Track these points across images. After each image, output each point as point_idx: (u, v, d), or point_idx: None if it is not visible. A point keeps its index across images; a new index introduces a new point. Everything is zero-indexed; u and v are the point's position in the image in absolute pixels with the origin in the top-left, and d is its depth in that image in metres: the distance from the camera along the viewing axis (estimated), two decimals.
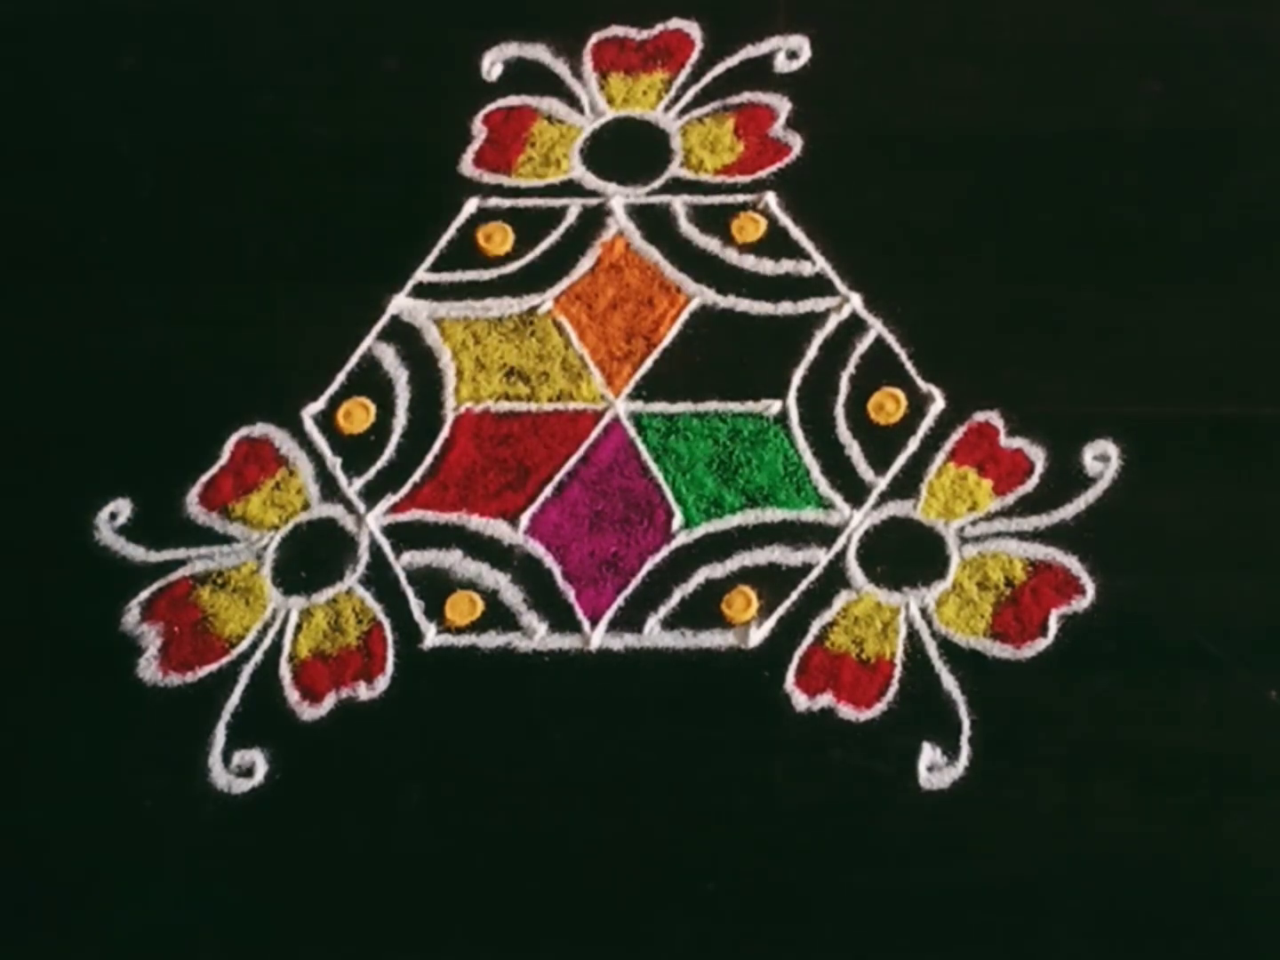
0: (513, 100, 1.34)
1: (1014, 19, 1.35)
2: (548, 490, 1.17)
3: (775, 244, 1.26)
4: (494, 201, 1.30)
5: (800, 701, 1.09)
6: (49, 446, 1.22)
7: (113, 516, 1.18)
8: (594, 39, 1.37)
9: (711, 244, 1.26)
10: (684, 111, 1.33)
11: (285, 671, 1.12)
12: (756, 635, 1.11)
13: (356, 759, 1.10)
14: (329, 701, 1.11)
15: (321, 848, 1.07)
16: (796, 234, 1.26)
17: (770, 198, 1.27)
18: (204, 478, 1.19)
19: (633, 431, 1.19)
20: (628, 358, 1.22)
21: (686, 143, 1.31)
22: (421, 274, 1.27)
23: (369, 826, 1.07)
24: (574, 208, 1.29)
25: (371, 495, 1.18)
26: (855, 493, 1.15)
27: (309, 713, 1.11)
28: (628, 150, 1.31)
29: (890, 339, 1.20)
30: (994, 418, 1.17)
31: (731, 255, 1.26)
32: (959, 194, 1.27)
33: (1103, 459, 1.15)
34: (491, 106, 1.34)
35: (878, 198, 1.27)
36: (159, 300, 1.28)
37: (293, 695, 1.11)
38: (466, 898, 1.05)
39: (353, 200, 1.31)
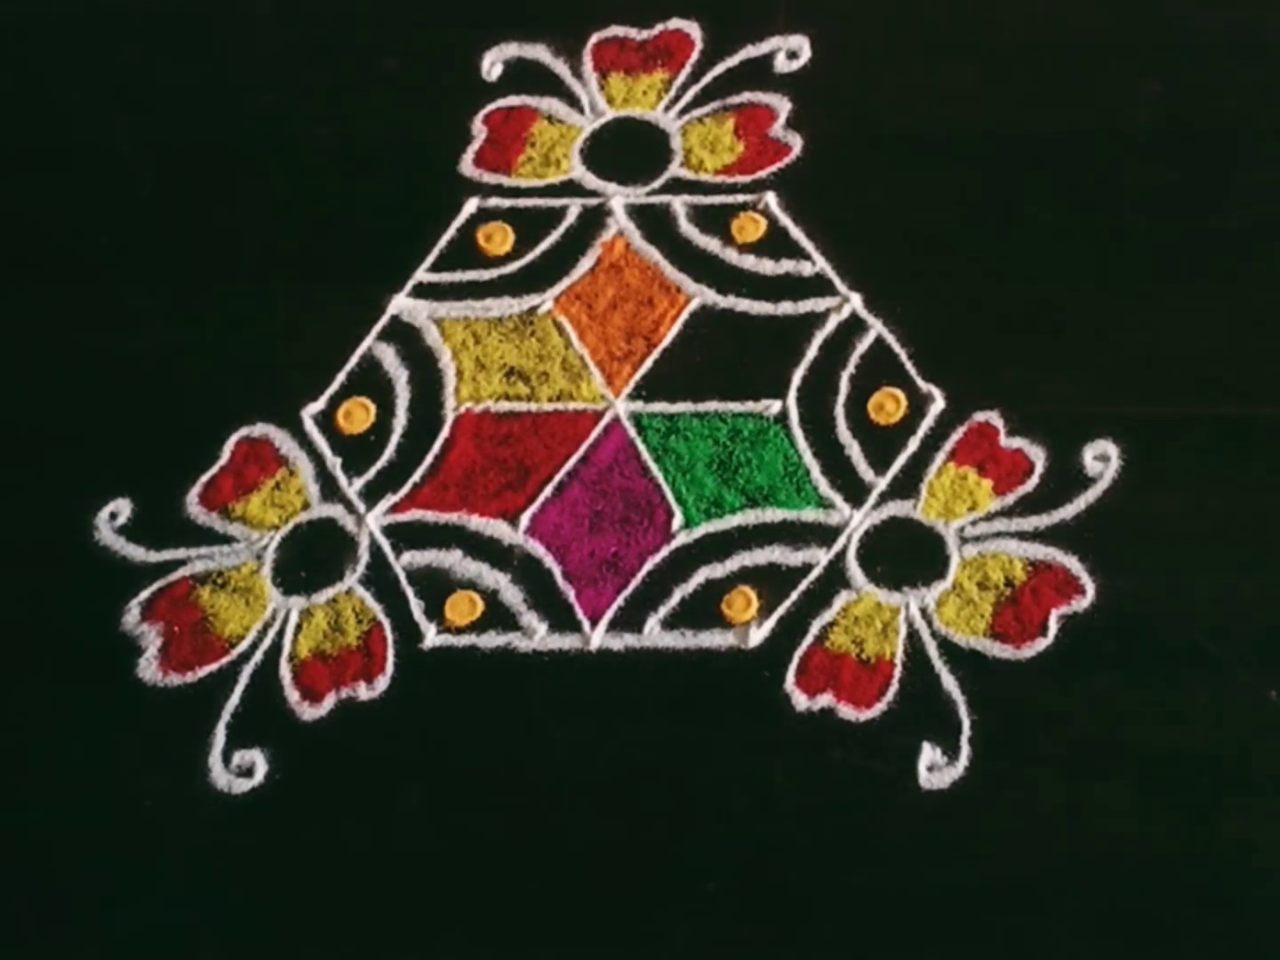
0: (513, 100, 1.34)
1: (1014, 19, 1.35)
2: (548, 490, 1.17)
3: (775, 244, 1.26)
4: (494, 201, 1.30)
5: (800, 701, 1.09)
6: (49, 446, 1.22)
7: (113, 516, 1.18)
8: (594, 39, 1.37)
9: (711, 244, 1.26)
10: (684, 111, 1.33)
11: (285, 671, 1.12)
12: (756, 635, 1.11)
13: (356, 759, 1.10)
14: (329, 701, 1.11)
15: (321, 848, 1.07)
16: (796, 234, 1.26)
17: (770, 198, 1.27)
18: (204, 478, 1.19)
19: (633, 431, 1.19)
20: (628, 358, 1.22)
21: (686, 143, 1.31)
22: (421, 274, 1.27)
23: (369, 826, 1.07)
24: (574, 208, 1.29)
25: (371, 495, 1.18)
26: (855, 493, 1.15)
27: (309, 713, 1.11)
28: (628, 150, 1.31)
29: (890, 339, 1.20)
30: (994, 418, 1.17)
31: (731, 255, 1.26)
32: (959, 194, 1.27)
33: (1103, 459, 1.15)
34: (491, 106, 1.34)
35: (878, 198, 1.27)
36: (159, 300, 1.28)
37: (293, 695, 1.11)
38: (466, 898, 1.05)
39: (353, 200, 1.31)
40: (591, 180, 1.30)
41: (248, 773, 1.09)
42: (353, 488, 1.19)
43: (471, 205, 1.30)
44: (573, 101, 1.34)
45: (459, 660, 1.12)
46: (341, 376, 1.23)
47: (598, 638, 1.12)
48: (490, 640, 1.12)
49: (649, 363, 1.22)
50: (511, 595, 1.14)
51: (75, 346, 1.26)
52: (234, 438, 1.21)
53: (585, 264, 1.26)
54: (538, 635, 1.12)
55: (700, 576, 1.13)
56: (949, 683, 1.08)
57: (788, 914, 1.03)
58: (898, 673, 1.09)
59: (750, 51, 1.35)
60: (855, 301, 1.22)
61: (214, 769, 1.09)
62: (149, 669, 1.13)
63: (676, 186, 1.29)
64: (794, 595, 1.12)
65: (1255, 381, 1.17)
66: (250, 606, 1.15)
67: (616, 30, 1.37)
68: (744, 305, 1.23)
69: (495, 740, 1.09)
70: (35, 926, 1.06)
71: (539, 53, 1.36)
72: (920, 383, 1.19)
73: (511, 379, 1.22)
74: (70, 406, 1.24)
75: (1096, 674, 1.08)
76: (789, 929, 1.03)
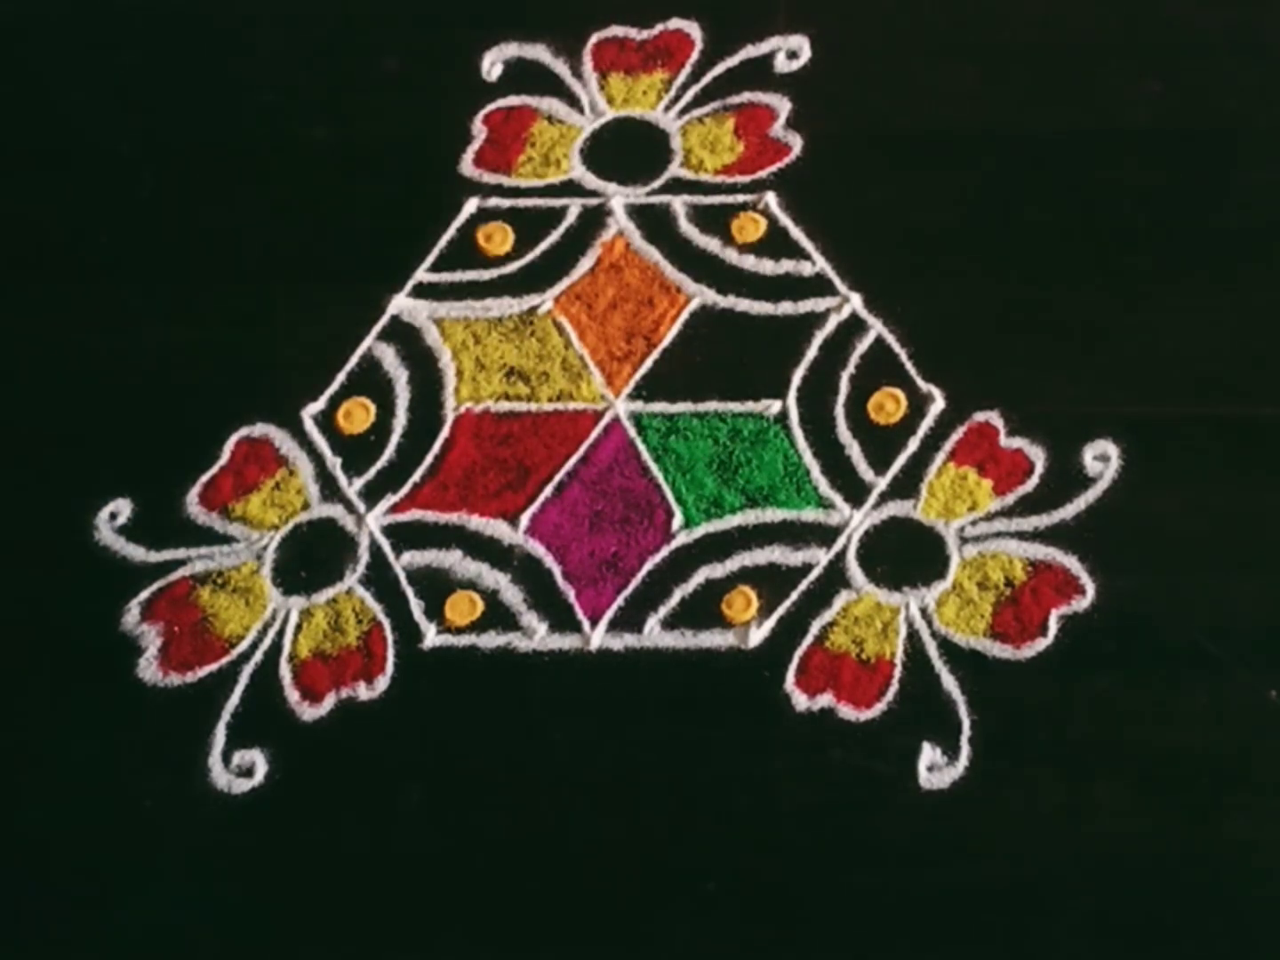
0: (513, 100, 1.34)
1: (1014, 19, 1.35)
2: (548, 490, 1.17)
3: (775, 244, 1.26)
4: (494, 201, 1.30)
5: (800, 701, 1.09)
6: (49, 446, 1.22)
7: (113, 516, 1.18)
8: (594, 39, 1.37)
9: (711, 244, 1.26)
10: (684, 111, 1.33)
11: (285, 671, 1.12)
12: (756, 635, 1.11)
13: (356, 759, 1.10)
14: (329, 701, 1.11)
15: (321, 848, 1.07)
16: (796, 234, 1.26)
17: (770, 198, 1.27)
18: (204, 478, 1.19)
19: (633, 431, 1.19)
20: (628, 358, 1.22)
21: (686, 143, 1.31)
22: (421, 274, 1.27)
23: (369, 826, 1.07)
24: (574, 208, 1.29)
25: (371, 495, 1.18)
26: (855, 493, 1.15)
27: (309, 713, 1.11)
28: (628, 150, 1.31)
29: (890, 339, 1.20)
30: (994, 418, 1.17)
31: (731, 255, 1.26)
32: (959, 194, 1.27)
33: (1103, 459, 1.15)
34: (491, 106, 1.34)
35: (878, 198, 1.27)
36: (159, 300, 1.28)
37: (293, 695, 1.11)
38: (466, 898, 1.05)
39: (353, 200, 1.31)
40: (591, 180, 1.30)
41: (248, 773, 1.09)
42: (353, 488, 1.19)
43: (471, 205, 1.30)
44: (573, 101, 1.34)
45: (459, 660, 1.12)
46: (341, 376, 1.23)
47: (598, 638, 1.12)
48: (490, 640, 1.12)
49: (649, 363, 1.22)
50: (511, 595, 1.14)
51: (75, 346, 1.26)
52: (234, 438, 1.21)
53: (585, 264, 1.26)
54: (538, 635, 1.12)
55: (700, 576, 1.13)
56: (949, 683, 1.08)
57: (788, 914, 1.03)
58: (898, 673, 1.09)
59: (750, 51, 1.35)
60: (855, 301, 1.22)
61: (214, 769, 1.09)
62: (149, 669, 1.13)
63: (676, 186, 1.29)
64: (794, 595, 1.12)
65: (1255, 381, 1.17)
66: (250, 606, 1.15)
67: (616, 30, 1.37)
68: (744, 305, 1.23)
69: (495, 740, 1.09)
70: (35, 926, 1.06)
71: (539, 53, 1.36)
72: (920, 383, 1.19)
73: (511, 379, 1.22)
74: (70, 406, 1.24)
75: (1096, 674, 1.08)
76: (789, 929, 1.03)
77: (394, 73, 1.38)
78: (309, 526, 1.18)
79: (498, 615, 1.13)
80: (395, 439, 1.20)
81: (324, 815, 1.08)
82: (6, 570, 1.17)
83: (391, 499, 1.18)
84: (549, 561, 1.15)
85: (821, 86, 1.32)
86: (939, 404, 1.18)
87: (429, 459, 1.19)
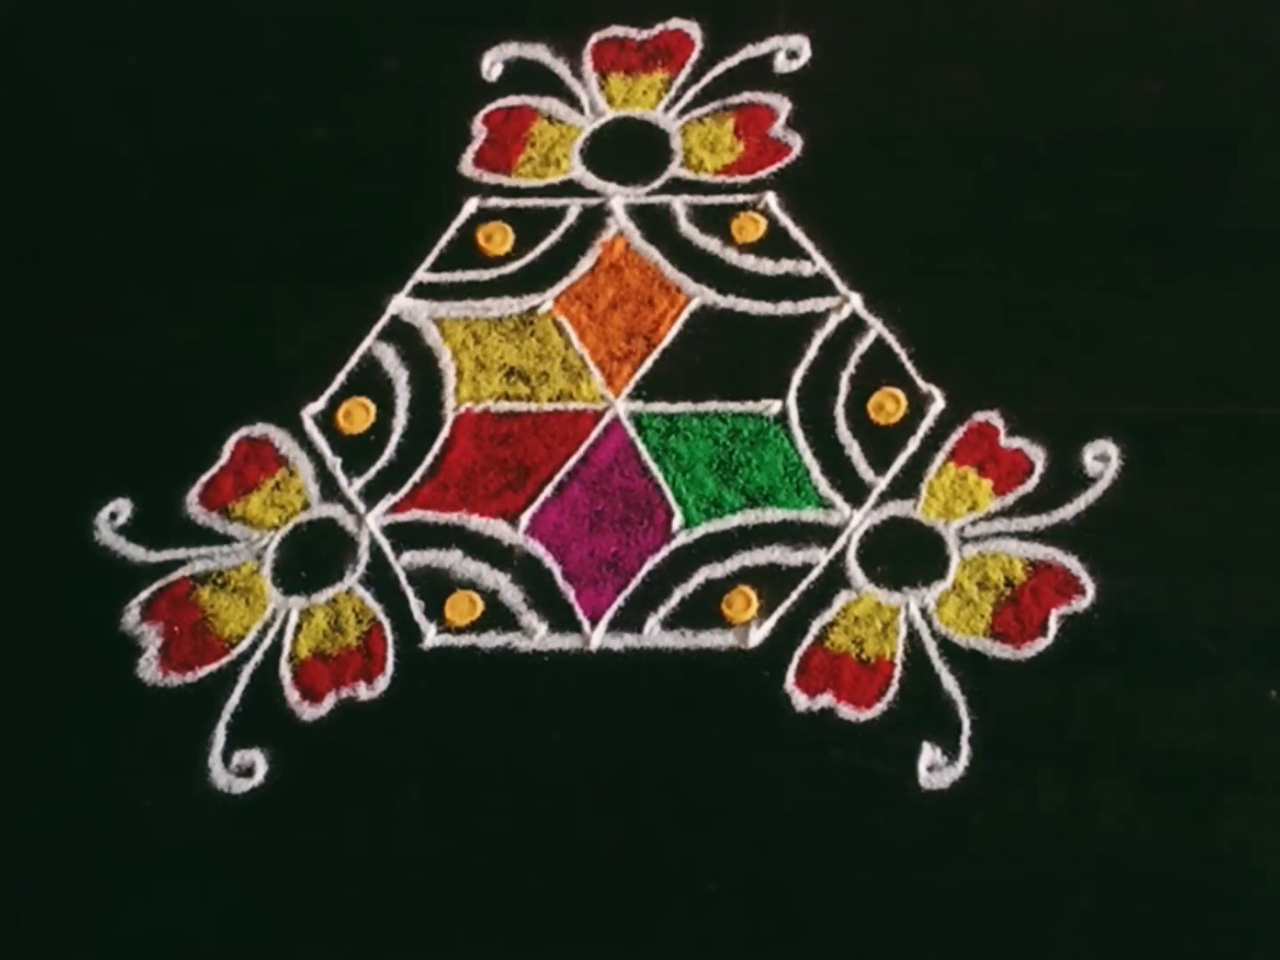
0: (513, 100, 1.34)
1: (1014, 19, 1.35)
2: (548, 490, 1.17)
3: (775, 244, 1.26)
4: (494, 201, 1.30)
5: (800, 701, 1.09)
6: (49, 446, 1.22)
7: (113, 516, 1.18)
8: (594, 39, 1.37)
9: (711, 244, 1.26)
10: (684, 111, 1.33)
11: (285, 671, 1.12)
12: (756, 635, 1.11)
13: (356, 759, 1.10)
14: (329, 701, 1.11)
15: (321, 848, 1.07)
16: (796, 234, 1.26)
17: (770, 198, 1.27)
18: (204, 478, 1.19)
19: (633, 431, 1.19)
20: (628, 358, 1.22)
21: (686, 143, 1.31)
22: (421, 274, 1.27)
23: (369, 826, 1.07)
24: (574, 208, 1.29)
25: (371, 495, 1.18)
26: (855, 493, 1.15)
27: (309, 713, 1.11)
28: (628, 150, 1.31)
29: (890, 339, 1.20)
30: (994, 418, 1.17)
31: (731, 255, 1.26)
32: (959, 194, 1.27)
33: (1103, 459, 1.15)
34: (491, 106, 1.34)
35: (878, 198, 1.27)
36: (159, 300, 1.28)
37: (293, 695, 1.11)
38: (466, 898, 1.05)
39: (353, 200, 1.31)
40: (591, 180, 1.30)
41: (248, 773, 1.09)
42: (353, 488, 1.19)
43: (471, 205, 1.30)
44: (573, 101, 1.34)
45: (459, 660, 1.12)
46: (341, 376, 1.23)
47: (598, 638, 1.12)
48: (490, 640, 1.12)
49: (649, 363, 1.22)
50: (511, 595, 1.14)
51: (75, 346, 1.26)
52: (234, 438, 1.21)
53: (585, 264, 1.26)
54: (538, 635, 1.12)
55: (700, 576, 1.13)
56: (949, 683, 1.08)
57: (788, 914, 1.03)
58: (898, 673, 1.09)
59: (750, 51, 1.35)
60: (855, 301, 1.22)
61: (214, 769, 1.09)
62: (149, 669, 1.13)
63: (676, 186, 1.29)
64: (794, 595, 1.12)
65: (1255, 381, 1.17)
66: (250, 606, 1.15)
67: (616, 30, 1.37)
68: (744, 305, 1.23)
69: (495, 740, 1.09)
70: (35, 926, 1.06)
71: (539, 53, 1.36)
72: (920, 383, 1.19)
73: (511, 379, 1.22)
74: (70, 406, 1.24)
75: (1096, 674, 1.08)
76: (789, 929, 1.03)
77: (394, 73, 1.38)
78: (309, 526, 1.18)
79: (498, 615, 1.13)
80: (395, 439, 1.20)
81: (324, 815, 1.08)
82: (6, 570, 1.18)
83: (391, 499, 1.18)
84: (549, 561, 1.15)
85: (821, 86, 1.32)
86: (939, 404, 1.18)
87: (429, 459, 1.19)
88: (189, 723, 1.11)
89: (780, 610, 1.12)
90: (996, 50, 1.34)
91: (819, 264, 1.24)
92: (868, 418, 1.18)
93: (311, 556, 1.17)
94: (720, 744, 1.08)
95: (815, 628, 1.11)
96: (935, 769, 1.06)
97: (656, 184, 1.29)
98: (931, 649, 1.09)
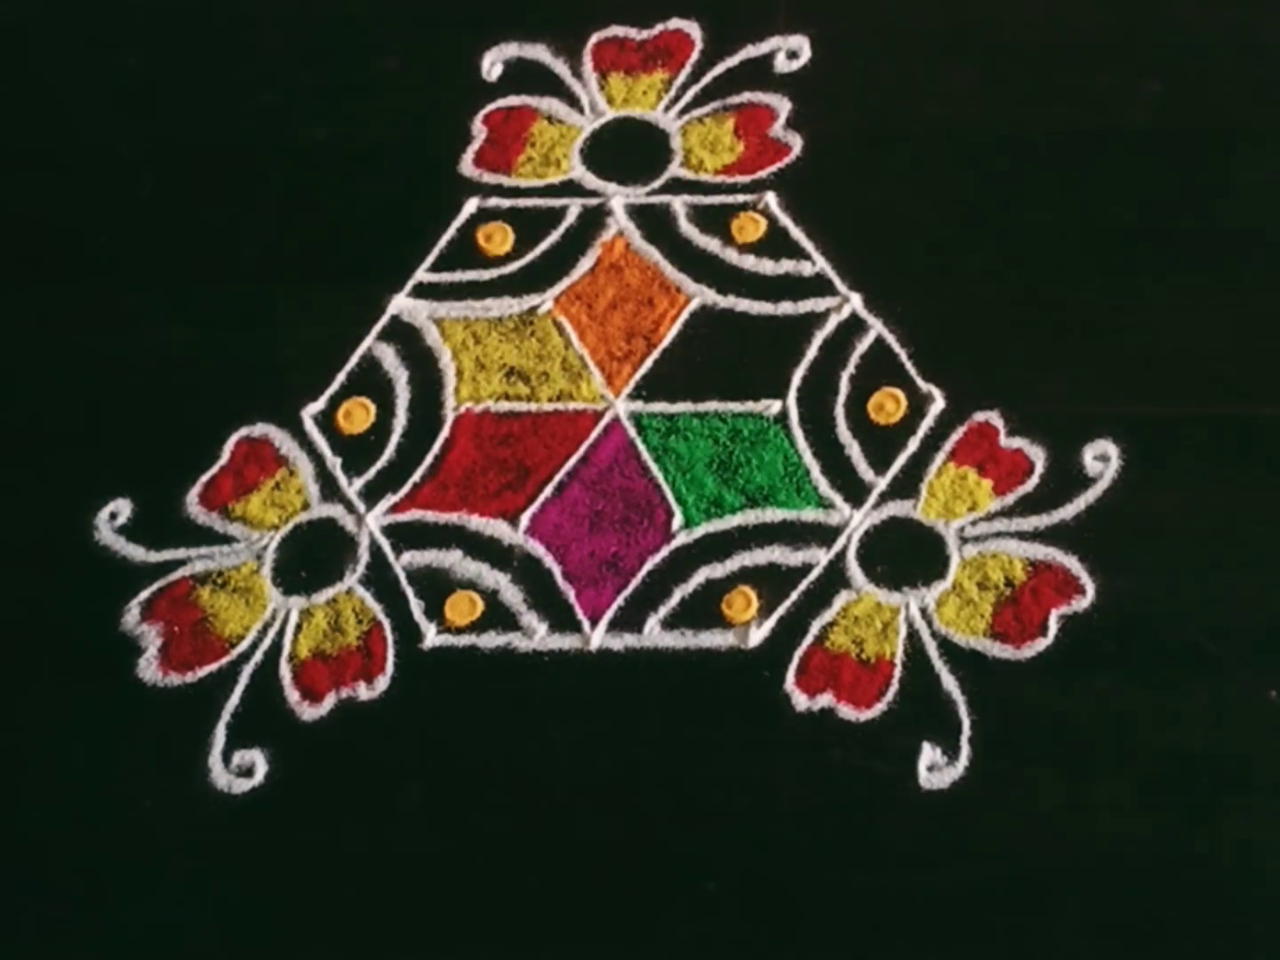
0: (513, 100, 1.34)
1: (1014, 19, 1.35)
2: (548, 490, 1.17)
3: (775, 244, 1.26)
4: (494, 201, 1.30)
5: (800, 701, 1.09)
6: (49, 446, 1.22)
7: (113, 516, 1.18)
8: (594, 39, 1.37)
9: (711, 244, 1.26)
10: (684, 111, 1.33)
11: (285, 671, 1.12)
12: (756, 635, 1.11)
13: (356, 759, 1.10)
14: (329, 701, 1.11)
15: (321, 848, 1.07)
16: (796, 234, 1.26)
17: (770, 198, 1.27)
18: (204, 478, 1.19)
19: (633, 431, 1.19)
20: (628, 358, 1.22)
21: (686, 143, 1.31)
22: (421, 274, 1.27)
23: (369, 826, 1.07)
24: (574, 208, 1.29)
25: (371, 495, 1.18)
26: (855, 493, 1.15)
27: (309, 713, 1.11)
28: (628, 150, 1.31)
29: (890, 339, 1.20)
30: (994, 418, 1.17)
31: (731, 255, 1.26)
32: (959, 194, 1.27)
33: (1103, 459, 1.15)
34: (491, 106, 1.34)
35: (878, 198, 1.27)
36: (159, 300, 1.28)
37: (293, 695, 1.11)
38: (466, 898, 1.05)
39: (353, 200, 1.31)
40: (591, 180, 1.30)
41: (248, 773, 1.09)
42: (353, 488, 1.19)
43: (471, 205, 1.30)
44: (573, 101, 1.34)
45: (459, 660, 1.12)
46: (341, 376, 1.23)
47: (598, 638, 1.12)
48: (490, 640, 1.12)
49: (649, 363, 1.22)
50: (511, 595, 1.14)
51: (75, 346, 1.26)
52: (234, 438, 1.21)
53: (585, 264, 1.26)
54: (538, 635, 1.12)
55: (700, 576, 1.13)
56: (949, 683, 1.08)
57: (788, 914, 1.03)
58: (898, 673, 1.09)
59: (750, 51, 1.35)
60: (855, 301, 1.22)
61: (214, 769, 1.09)
62: (149, 669, 1.13)
63: (676, 186, 1.29)
64: (794, 595, 1.12)
65: (1255, 381, 1.17)
66: (250, 606, 1.15)
67: (616, 30, 1.37)
68: (744, 305, 1.23)
69: (495, 740, 1.09)
70: (35, 926, 1.06)
71: (539, 53, 1.36)
72: (920, 383, 1.19)
73: (511, 379, 1.22)
74: (70, 406, 1.24)
75: (1096, 674, 1.08)
76: (789, 929, 1.03)
77: (394, 73, 1.38)
78: (309, 526, 1.18)
79: (498, 615, 1.13)
80: (395, 439, 1.20)
81: (324, 815, 1.08)
82: (6, 570, 1.17)
83: (391, 499, 1.18)
84: (549, 561, 1.15)
85: (821, 86, 1.32)
86: (939, 404, 1.18)
87: (429, 459, 1.19)
88: (189, 723, 1.11)
89: (780, 610, 1.12)
90: (996, 50, 1.34)
91: (819, 264, 1.24)
92: (868, 418, 1.18)
93: (311, 556, 1.17)
94: (720, 744, 1.08)
95: (815, 628, 1.11)
96: (935, 769, 1.06)
97: (656, 184, 1.29)
98: (931, 649, 1.09)
